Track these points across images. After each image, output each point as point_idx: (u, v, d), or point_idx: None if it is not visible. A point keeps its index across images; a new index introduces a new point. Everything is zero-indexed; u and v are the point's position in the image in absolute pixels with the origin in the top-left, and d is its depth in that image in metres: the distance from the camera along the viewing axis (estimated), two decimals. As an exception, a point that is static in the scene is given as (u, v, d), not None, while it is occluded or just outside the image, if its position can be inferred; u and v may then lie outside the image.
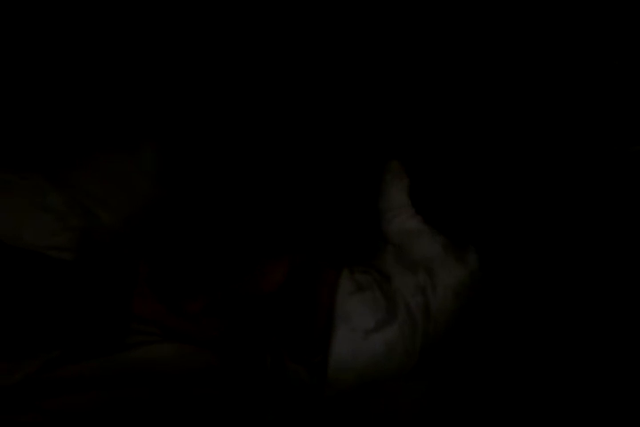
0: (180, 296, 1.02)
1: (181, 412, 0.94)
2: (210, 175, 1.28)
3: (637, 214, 1.06)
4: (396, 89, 1.36)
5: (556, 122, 1.19)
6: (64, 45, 1.25)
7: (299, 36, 1.36)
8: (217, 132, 1.34)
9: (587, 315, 1.05)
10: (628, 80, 1.12)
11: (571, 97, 1.18)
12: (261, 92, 1.39)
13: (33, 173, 1.03)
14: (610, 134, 1.13)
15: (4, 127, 1.10)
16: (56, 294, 0.99)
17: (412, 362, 1.02)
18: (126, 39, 1.31)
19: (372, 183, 1.19)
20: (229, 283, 1.05)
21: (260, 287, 1.03)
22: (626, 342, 0.98)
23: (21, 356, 0.93)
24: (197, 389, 0.95)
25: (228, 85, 1.40)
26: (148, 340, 0.99)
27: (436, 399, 1.09)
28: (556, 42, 1.21)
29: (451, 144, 1.28)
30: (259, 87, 1.39)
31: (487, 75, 1.27)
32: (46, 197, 1.03)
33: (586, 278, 1.08)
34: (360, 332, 0.98)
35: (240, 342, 1.05)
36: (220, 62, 1.38)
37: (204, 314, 1.02)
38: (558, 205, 1.17)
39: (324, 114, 1.38)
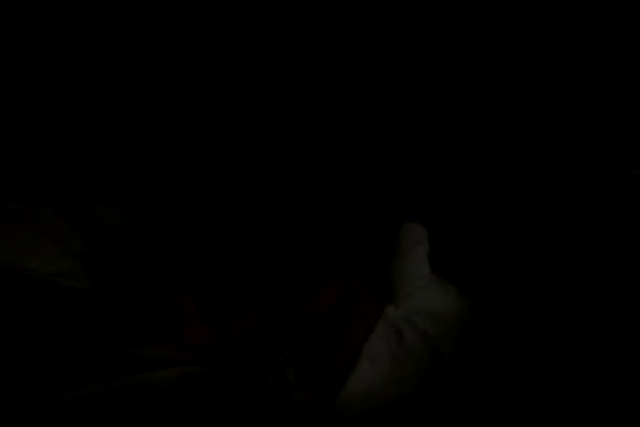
0: (226, 316, 1.04)
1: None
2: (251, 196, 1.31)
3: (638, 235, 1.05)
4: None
5: (558, 147, 1.19)
6: (64, 65, 1.28)
7: (299, 39, 1.37)
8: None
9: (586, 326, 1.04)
10: (630, 104, 1.11)
11: (573, 122, 1.17)
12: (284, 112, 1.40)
13: (40, 203, 1.07)
14: (611, 158, 1.12)
15: (12, 157, 1.14)
16: (59, 320, 1.02)
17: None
18: (125, 47, 1.34)
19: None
20: (278, 304, 1.07)
21: (310, 310, 1.04)
22: (624, 345, 0.97)
23: (24, 381, 0.96)
24: (196, 409, 0.97)
25: (238, 98, 1.41)
26: (149, 365, 1.01)
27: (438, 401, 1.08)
28: (560, 59, 1.20)
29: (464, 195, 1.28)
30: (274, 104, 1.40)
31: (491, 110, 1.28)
32: (51, 224, 1.06)
33: (591, 298, 1.07)
34: (380, 375, 0.98)
35: (246, 360, 1.06)
36: (222, 67, 1.40)
37: (247, 334, 1.04)
38: (561, 227, 1.16)
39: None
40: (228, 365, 1.06)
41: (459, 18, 1.29)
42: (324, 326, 1.04)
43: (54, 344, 1.00)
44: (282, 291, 1.11)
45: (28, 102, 1.23)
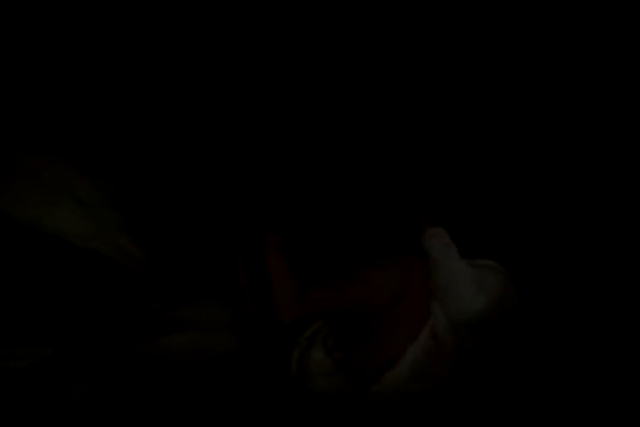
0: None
1: (192, 399, 0.94)
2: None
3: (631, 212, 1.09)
4: (398, 93, 1.37)
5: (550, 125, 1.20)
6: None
7: (298, 37, 1.35)
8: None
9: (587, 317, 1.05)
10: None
11: (563, 102, 1.18)
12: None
13: (61, 160, 1.04)
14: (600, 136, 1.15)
15: (36, 115, 1.12)
16: (75, 282, 0.99)
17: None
18: (120, 42, 1.33)
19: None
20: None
21: (369, 301, 0.96)
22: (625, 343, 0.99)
23: (34, 342, 0.94)
24: (211, 377, 0.94)
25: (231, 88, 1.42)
26: (164, 330, 0.98)
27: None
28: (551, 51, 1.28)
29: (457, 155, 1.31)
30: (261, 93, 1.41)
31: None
32: (72, 184, 1.04)
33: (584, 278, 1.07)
34: (413, 372, 0.95)
35: (273, 332, 1.01)
36: (219, 63, 1.41)
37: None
38: (555, 205, 1.15)
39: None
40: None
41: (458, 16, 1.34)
42: (371, 318, 0.98)
43: (69, 306, 0.96)
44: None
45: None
